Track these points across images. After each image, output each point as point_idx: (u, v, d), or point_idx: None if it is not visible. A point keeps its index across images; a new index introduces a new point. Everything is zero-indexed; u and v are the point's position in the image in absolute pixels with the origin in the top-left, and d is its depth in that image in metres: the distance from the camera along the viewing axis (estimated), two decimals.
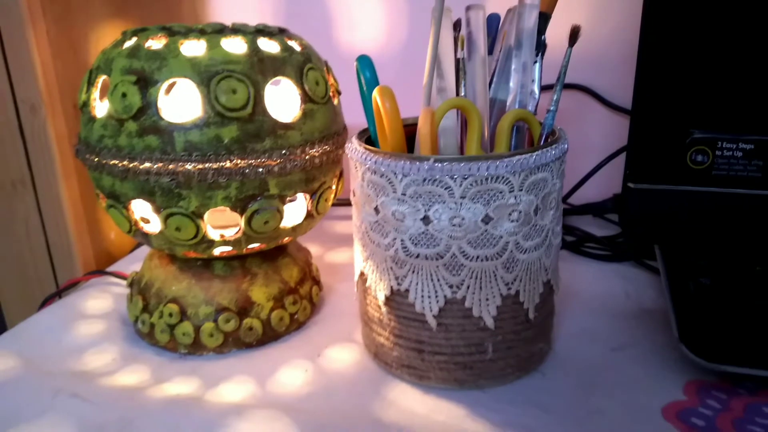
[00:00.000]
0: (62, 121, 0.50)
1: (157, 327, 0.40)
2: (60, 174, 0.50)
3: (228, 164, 0.34)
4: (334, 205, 0.45)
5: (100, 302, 0.48)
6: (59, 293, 0.50)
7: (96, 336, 0.43)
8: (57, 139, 0.49)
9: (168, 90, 0.35)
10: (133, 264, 0.54)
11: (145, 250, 0.58)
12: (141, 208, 0.38)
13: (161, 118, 0.34)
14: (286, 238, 0.41)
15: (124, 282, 0.51)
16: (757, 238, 0.43)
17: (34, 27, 0.47)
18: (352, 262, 0.54)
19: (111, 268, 0.53)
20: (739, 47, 0.41)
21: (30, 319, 0.46)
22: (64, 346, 0.42)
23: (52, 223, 0.52)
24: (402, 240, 0.34)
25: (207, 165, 0.34)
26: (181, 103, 0.35)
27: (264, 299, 0.41)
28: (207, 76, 0.34)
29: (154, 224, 0.38)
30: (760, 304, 0.38)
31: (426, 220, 0.33)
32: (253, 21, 0.67)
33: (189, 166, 0.34)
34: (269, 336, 0.41)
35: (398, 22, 0.67)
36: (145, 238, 0.38)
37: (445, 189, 0.32)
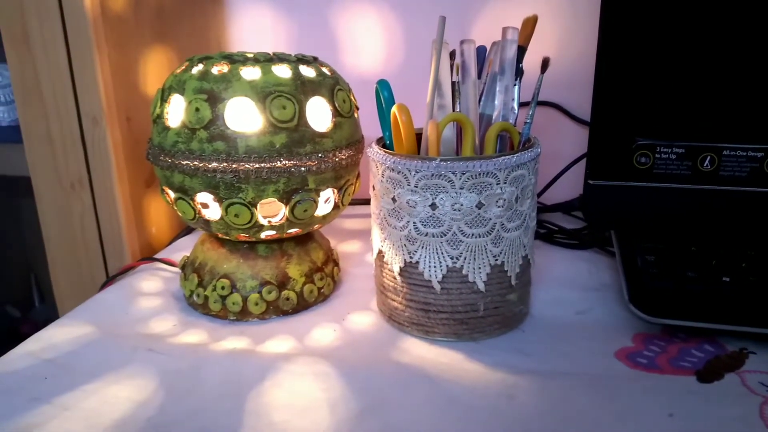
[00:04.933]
0: (117, 131, 0.59)
1: (210, 298, 0.49)
2: (115, 176, 0.59)
3: (278, 164, 0.44)
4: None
5: (153, 283, 0.57)
6: (115, 277, 0.58)
7: (155, 308, 0.52)
8: (113, 146, 0.58)
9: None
10: (172, 254, 0.63)
11: (179, 243, 0.67)
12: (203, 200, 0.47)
13: (227, 128, 0.44)
14: (317, 225, 0.51)
15: (170, 267, 0.60)
16: (691, 223, 0.53)
17: (99, 51, 0.56)
18: (361, 251, 0.64)
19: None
20: (674, 75, 0.51)
21: (95, 297, 0.55)
22: (130, 316, 0.51)
23: (105, 219, 0.61)
24: (414, 222, 0.44)
25: (262, 165, 0.44)
26: (240, 115, 0.44)
27: (298, 275, 0.50)
28: (263, 95, 0.44)
29: (214, 212, 0.47)
30: (693, 274, 0.48)
31: (433, 206, 0.43)
32: (269, 47, 0.77)
33: (248, 166, 0.44)
34: (302, 305, 0.51)
35: (395, 48, 0.78)
36: (206, 224, 0.48)
37: (448, 182, 0.42)
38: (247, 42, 0.80)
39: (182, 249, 0.64)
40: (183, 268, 0.53)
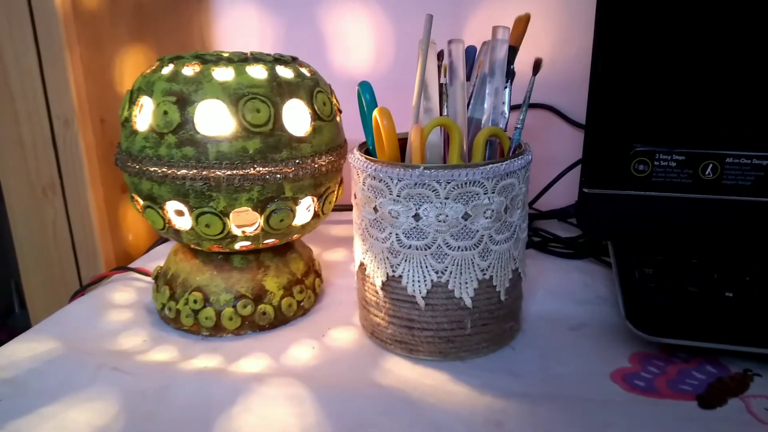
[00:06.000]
0: (90, 133, 0.56)
1: (182, 312, 0.47)
2: (88, 181, 0.56)
3: (252, 171, 0.41)
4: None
5: (125, 294, 0.54)
6: (87, 287, 0.56)
7: (126, 322, 0.49)
8: (86, 150, 0.56)
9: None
10: (148, 263, 0.60)
11: (158, 251, 0.64)
12: (173, 209, 0.44)
13: (197, 132, 0.41)
14: (296, 235, 0.48)
15: (144, 277, 0.57)
16: (691, 235, 0.51)
17: (70, 51, 0.53)
18: (347, 260, 0.62)
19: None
20: (674, 77, 0.49)
21: (64, 309, 0.52)
22: (99, 330, 0.48)
23: (78, 226, 0.58)
24: (397, 234, 0.41)
25: (234, 171, 0.41)
26: (211, 119, 0.42)
27: (276, 288, 0.47)
28: (235, 97, 0.41)
29: (185, 222, 0.44)
30: (694, 289, 0.45)
31: (417, 217, 0.40)
32: (254, 47, 0.74)
33: (219, 173, 0.41)
34: (280, 320, 0.48)
35: (385, 48, 0.75)
36: (176, 234, 0.45)
37: (432, 191, 0.39)
38: (232, 41, 0.77)
39: (160, 257, 0.61)
40: (156, 279, 0.51)
